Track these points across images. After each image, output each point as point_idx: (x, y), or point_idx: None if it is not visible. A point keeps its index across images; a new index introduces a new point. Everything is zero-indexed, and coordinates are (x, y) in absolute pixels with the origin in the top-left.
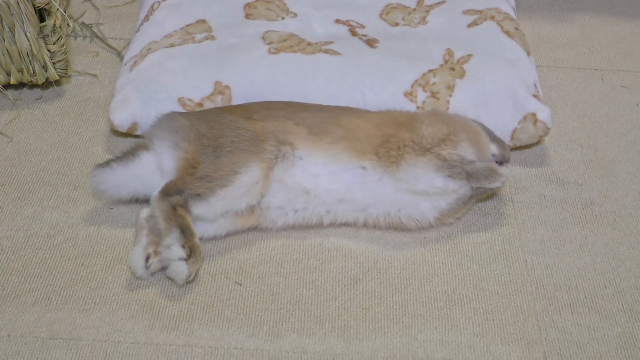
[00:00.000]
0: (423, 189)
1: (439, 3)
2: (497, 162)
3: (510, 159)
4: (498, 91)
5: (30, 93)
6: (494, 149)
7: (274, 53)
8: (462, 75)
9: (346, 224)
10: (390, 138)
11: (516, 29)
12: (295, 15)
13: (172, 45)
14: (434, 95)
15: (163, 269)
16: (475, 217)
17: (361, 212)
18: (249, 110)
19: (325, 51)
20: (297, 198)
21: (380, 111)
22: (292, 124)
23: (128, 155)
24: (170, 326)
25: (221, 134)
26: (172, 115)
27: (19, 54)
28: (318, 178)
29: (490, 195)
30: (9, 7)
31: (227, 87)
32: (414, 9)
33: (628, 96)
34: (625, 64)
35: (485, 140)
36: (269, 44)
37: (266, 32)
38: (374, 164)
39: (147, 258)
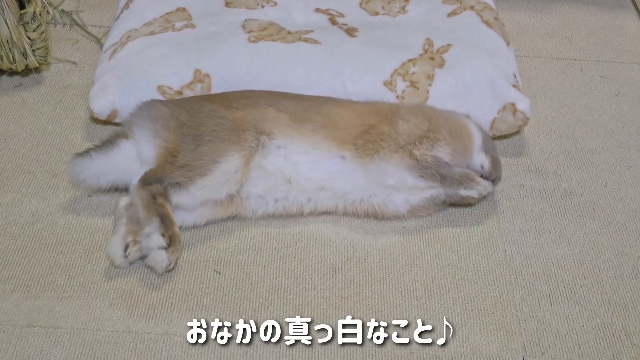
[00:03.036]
0: (393, 184)
1: None
2: (482, 176)
3: (498, 179)
4: (477, 81)
5: (9, 80)
6: (484, 161)
7: (253, 42)
8: (441, 64)
9: (326, 212)
10: (371, 129)
11: (495, 18)
12: (275, 3)
13: (152, 33)
14: (413, 84)
15: (142, 258)
16: (455, 207)
17: (341, 199)
18: (229, 99)
19: (305, 40)
20: (277, 187)
21: (364, 101)
22: (274, 110)
23: (107, 144)
24: (149, 314)
25: (201, 123)
26: (152, 104)
27: None
28: (299, 166)
29: (469, 203)
30: None
31: (207, 75)
32: None
33: (607, 86)
34: (605, 55)
35: (470, 141)
36: (248, 32)
37: (246, 20)
38: (352, 154)
39: (126, 247)
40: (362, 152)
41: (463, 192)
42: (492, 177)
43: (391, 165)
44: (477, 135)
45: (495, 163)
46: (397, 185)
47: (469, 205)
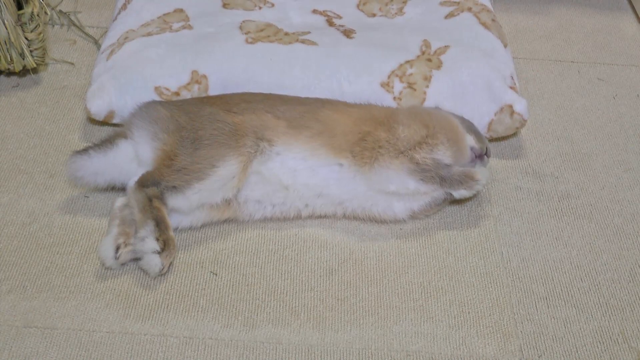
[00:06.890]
0: (395, 190)
1: None
2: (477, 157)
3: (490, 152)
4: (474, 82)
5: (7, 81)
6: (470, 141)
7: (251, 43)
8: (438, 66)
9: (324, 216)
10: (367, 136)
11: (493, 20)
12: (273, 5)
13: (149, 34)
14: (410, 85)
15: (133, 259)
16: (452, 209)
17: (339, 206)
18: (229, 103)
19: (302, 41)
20: (275, 193)
21: (360, 105)
22: (272, 117)
23: (106, 143)
24: (145, 315)
25: (200, 127)
26: (152, 105)
27: None
28: (297, 172)
29: (467, 199)
30: None
31: (204, 76)
32: (391, 0)
33: (604, 89)
34: (602, 57)
35: (464, 142)
36: (246, 33)
37: (243, 21)
38: (350, 162)
39: (117, 248)
40: (360, 160)
41: (464, 191)
42: (484, 151)
43: (392, 171)
44: (460, 125)
45: (478, 137)
46: (399, 190)
47: (469, 200)
